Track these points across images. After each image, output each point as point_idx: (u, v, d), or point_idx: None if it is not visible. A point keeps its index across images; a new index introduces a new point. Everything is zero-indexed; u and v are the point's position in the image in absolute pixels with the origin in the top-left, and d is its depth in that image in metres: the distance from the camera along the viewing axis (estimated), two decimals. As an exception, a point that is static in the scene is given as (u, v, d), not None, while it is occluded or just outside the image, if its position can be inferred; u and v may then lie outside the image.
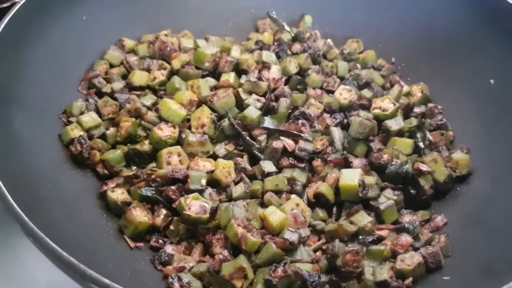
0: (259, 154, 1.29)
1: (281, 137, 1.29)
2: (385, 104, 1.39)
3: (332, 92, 1.47)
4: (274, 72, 1.45)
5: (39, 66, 1.26)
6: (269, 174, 1.24)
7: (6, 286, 1.29)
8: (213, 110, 1.35)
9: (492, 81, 1.40)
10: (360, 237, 1.14)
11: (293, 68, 1.50)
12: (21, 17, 1.21)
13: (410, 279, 1.07)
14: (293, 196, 1.20)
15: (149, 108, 1.34)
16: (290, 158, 1.28)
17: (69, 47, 1.36)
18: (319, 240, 1.16)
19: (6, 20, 1.17)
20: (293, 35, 1.66)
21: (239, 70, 1.47)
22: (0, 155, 0.95)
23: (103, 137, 1.30)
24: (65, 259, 0.78)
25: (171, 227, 1.15)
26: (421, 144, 1.35)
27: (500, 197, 1.20)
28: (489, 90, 1.40)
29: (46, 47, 1.29)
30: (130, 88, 1.42)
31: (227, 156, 1.28)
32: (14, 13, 1.19)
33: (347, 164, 1.26)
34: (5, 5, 1.42)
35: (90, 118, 1.29)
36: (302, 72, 1.52)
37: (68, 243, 0.85)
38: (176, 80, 1.39)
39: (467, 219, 1.21)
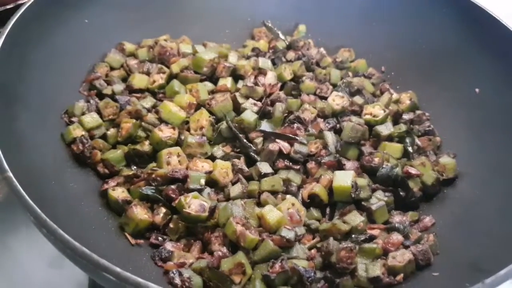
0: (255, 156, 1.31)
1: (277, 140, 1.32)
2: (376, 110, 1.43)
3: (325, 98, 1.50)
4: (270, 78, 1.46)
5: (42, 67, 1.27)
6: (266, 175, 1.26)
7: (1, 285, 1.29)
8: (211, 113, 1.37)
9: (477, 89, 1.44)
10: (353, 235, 1.17)
11: (288, 75, 1.53)
12: (26, 20, 1.22)
13: (401, 275, 1.10)
14: (288, 196, 1.23)
15: (149, 110, 1.36)
16: (286, 160, 1.30)
17: (71, 50, 1.37)
18: (313, 239, 1.19)
19: (12, 22, 1.18)
20: (287, 43, 1.69)
21: (236, 75, 1.49)
22: (8, 153, 0.96)
23: (104, 137, 1.31)
24: (78, 250, 0.80)
25: (171, 225, 1.17)
26: (410, 149, 1.38)
27: (485, 199, 1.24)
28: (474, 98, 1.44)
29: (49, 49, 1.30)
30: (130, 90, 1.43)
31: (225, 158, 1.30)
32: (19, 15, 1.20)
33: (340, 167, 1.29)
34: (8, 7, 1.43)
35: (91, 119, 1.30)
36: (297, 78, 1.54)
37: (73, 238, 0.86)
38: (175, 84, 1.41)
39: (454, 220, 1.24)
